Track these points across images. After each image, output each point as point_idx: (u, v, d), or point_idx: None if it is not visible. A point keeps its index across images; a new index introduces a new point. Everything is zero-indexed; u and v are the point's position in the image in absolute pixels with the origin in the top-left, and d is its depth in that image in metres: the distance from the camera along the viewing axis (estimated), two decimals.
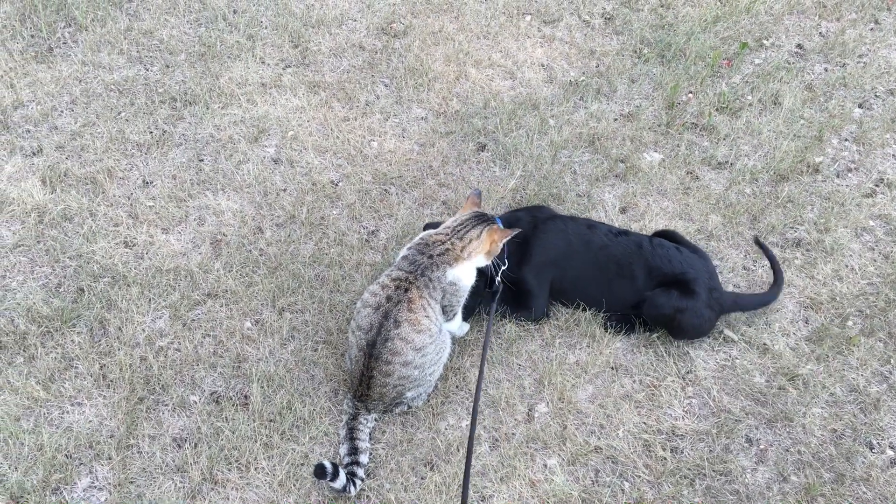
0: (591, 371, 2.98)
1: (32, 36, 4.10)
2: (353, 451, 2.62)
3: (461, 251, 2.70)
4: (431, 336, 2.64)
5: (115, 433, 2.65)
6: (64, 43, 4.10)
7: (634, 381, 2.98)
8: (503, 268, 2.96)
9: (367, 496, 2.58)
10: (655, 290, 3.00)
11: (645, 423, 2.85)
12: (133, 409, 2.72)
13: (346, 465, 2.58)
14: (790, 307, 3.25)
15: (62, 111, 3.76)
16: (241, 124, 3.80)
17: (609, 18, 4.73)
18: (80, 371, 2.81)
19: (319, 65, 4.19)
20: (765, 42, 4.59)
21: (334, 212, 3.46)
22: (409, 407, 2.79)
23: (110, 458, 2.59)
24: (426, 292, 2.63)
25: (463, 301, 2.79)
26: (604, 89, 4.24)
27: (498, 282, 2.93)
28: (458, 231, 2.75)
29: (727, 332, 3.14)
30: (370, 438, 2.69)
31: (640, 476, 2.71)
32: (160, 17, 4.30)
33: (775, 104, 4.17)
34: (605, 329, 3.10)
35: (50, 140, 3.61)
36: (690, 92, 4.25)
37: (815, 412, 2.90)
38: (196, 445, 2.66)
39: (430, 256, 2.68)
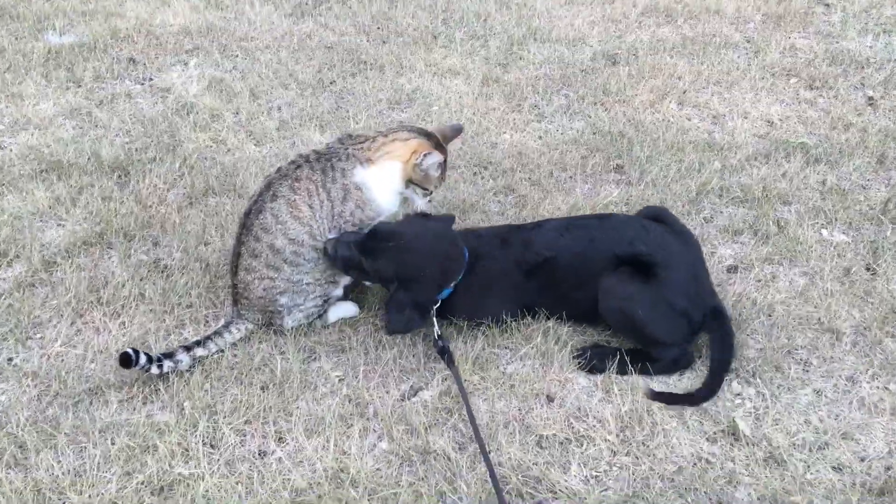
0: (519, 389, 2.21)
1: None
2: (198, 343, 2.30)
3: (375, 151, 2.31)
4: (311, 235, 2.25)
5: (82, 236, 2.77)
6: (314, 9, 4.63)
7: (561, 421, 2.13)
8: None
9: (184, 383, 2.23)
10: (604, 279, 2.20)
11: (522, 458, 2.01)
12: (101, 233, 2.82)
13: (179, 347, 2.28)
14: (878, 443, 2.05)
15: (277, 49, 4.17)
16: (394, 91, 3.77)
17: None
18: (91, 197, 3.01)
19: (517, 70, 3.97)
20: None
21: None
22: (282, 325, 2.37)
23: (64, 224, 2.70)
24: (321, 179, 2.26)
25: None
26: (827, 157, 3.24)
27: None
28: (388, 132, 2.39)
29: (740, 422, 2.08)
30: (223, 350, 2.34)
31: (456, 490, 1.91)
32: (412, 8, 4.57)
33: None
34: (578, 360, 2.29)
35: (246, 66, 4.02)
36: None
37: None
38: (105, 284, 2.59)
39: (346, 147, 2.34)
